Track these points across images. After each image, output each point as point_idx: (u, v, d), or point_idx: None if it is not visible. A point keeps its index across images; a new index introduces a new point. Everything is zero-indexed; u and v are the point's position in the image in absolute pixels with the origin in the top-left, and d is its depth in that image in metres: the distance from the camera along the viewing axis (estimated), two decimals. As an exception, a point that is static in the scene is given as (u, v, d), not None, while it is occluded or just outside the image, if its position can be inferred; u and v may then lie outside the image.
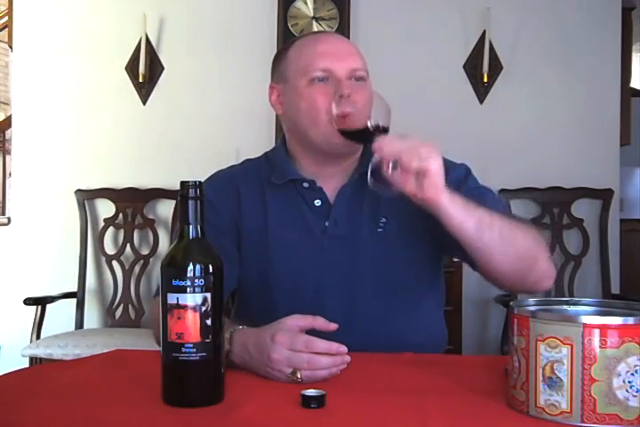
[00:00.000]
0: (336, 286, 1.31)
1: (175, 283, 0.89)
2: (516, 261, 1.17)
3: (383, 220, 1.31)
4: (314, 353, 0.99)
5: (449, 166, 1.33)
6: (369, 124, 1.12)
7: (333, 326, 1.05)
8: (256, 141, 2.92)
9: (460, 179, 1.33)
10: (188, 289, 0.89)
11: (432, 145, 1.07)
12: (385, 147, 1.05)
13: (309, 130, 1.29)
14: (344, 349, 1.01)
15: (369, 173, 1.11)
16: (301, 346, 1.00)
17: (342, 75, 1.26)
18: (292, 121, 1.33)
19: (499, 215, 1.16)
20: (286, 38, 2.97)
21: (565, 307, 0.97)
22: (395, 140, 1.06)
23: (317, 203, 1.33)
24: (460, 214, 1.09)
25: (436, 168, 1.04)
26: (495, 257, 1.15)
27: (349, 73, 1.27)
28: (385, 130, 1.12)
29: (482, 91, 3.03)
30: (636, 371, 0.80)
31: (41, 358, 2.55)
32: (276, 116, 1.38)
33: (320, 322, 1.05)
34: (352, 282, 1.31)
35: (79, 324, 2.96)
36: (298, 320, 1.05)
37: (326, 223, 1.33)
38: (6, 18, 3.98)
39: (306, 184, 1.34)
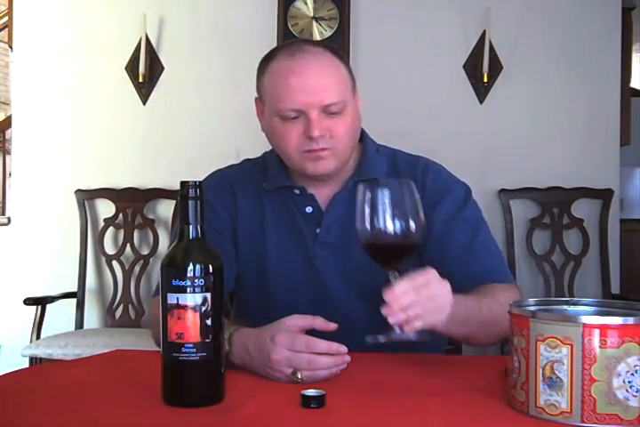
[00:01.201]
0: (329, 292, 1.32)
1: (175, 283, 0.89)
2: (493, 340, 1.24)
3: None
4: (314, 353, 0.99)
5: (449, 187, 1.34)
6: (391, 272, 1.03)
7: (333, 326, 1.05)
8: (256, 141, 2.88)
9: (457, 206, 1.33)
10: (188, 289, 0.89)
11: (443, 292, 1.02)
12: (393, 316, 0.97)
13: (285, 159, 1.31)
14: (344, 349, 1.01)
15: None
16: (301, 346, 1.00)
17: (313, 112, 1.22)
18: (271, 143, 1.34)
19: (487, 308, 1.16)
20: (286, 38, 2.97)
21: (565, 307, 0.96)
22: (403, 298, 0.97)
23: (309, 210, 1.34)
24: (449, 330, 1.11)
25: (439, 324, 1.02)
26: (473, 342, 1.25)
27: (321, 109, 1.23)
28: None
29: (482, 91, 3.02)
30: (636, 371, 0.80)
31: (41, 358, 2.55)
32: (276, 116, 1.38)
33: (319, 322, 1.05)
34: (346, 288, 1.32)
35: (79, 324, 2.96)
36: (297, 320, 1.05)
37: (317, 230, 1.33)
38: (6, 18, 3.99)
39: (297, 191, 1.34)
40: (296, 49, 1.26)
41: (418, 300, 0.97)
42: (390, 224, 0.99)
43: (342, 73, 1.28)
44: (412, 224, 1.00)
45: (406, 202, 1.00)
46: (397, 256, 1.03)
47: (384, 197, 1.00)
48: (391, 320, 0.97)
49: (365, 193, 1.01)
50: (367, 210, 1.01)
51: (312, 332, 1.04)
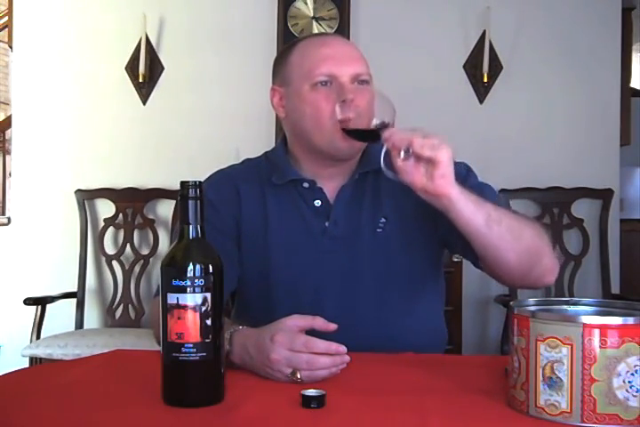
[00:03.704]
0: (335, 287, 1.31)
1: (175, 283, 0.89)
2: (523, 256, 1.17)
3: (383, 220, 1.31)
4: (313, 353, 0.99)
5: None
6: (374, 123, 1.12)
7: (333, 327, 1.04)
8: (256, 141, 2.92)
9: (461, 176, 1.33)
10: (188, 289, 0.89)
11: (442, 136, 1.06)
12: (395, 135, 1.06)
13: (313, 134, 1.29)
14: (343, 349, 1.00)
15: (382, 159, 1.10)
16: (301, 346, 1.00)
17: (346, 79, 1.26)
18: (295, 125, 1.33)
19: (505, 210, 1.18)
20: (286, 38, 2.97)
21: (565, 307, 0.97)
22: (404, 130, 1.06)
23: (317, 203, 1.33)
24: (469, 209, 1.09)
25: (446, 159, 1.04)
26: (503, 253, 1.15)
27: (353, 77, 1.26)
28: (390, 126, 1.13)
29: (482, 91, 3.03)
30: (636, 371, 0.80)
31: (41, 358, 2.55)
32: (276, 116, 1.37)
33: (319, 322, 1.05)
34: (351, 282, 1.31)
35: (79, 324, 2.96)
36: (297, 320, 1.05)
37: (326, 224, 1.33)
38: (6, 18, 3.98)
39: (306, 184, 1.34)
40: (322, 33, 1.31)
41: (417, 134, 1.03)
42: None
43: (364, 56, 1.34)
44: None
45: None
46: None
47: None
48: (395, 144, 1.05)
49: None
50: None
51: (313, 332, 1.04)
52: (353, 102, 1.20)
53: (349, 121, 1.18)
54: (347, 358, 1.01)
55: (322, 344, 1.00)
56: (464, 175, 1.34)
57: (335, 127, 1.23)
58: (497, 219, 1.12)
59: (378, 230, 1.32)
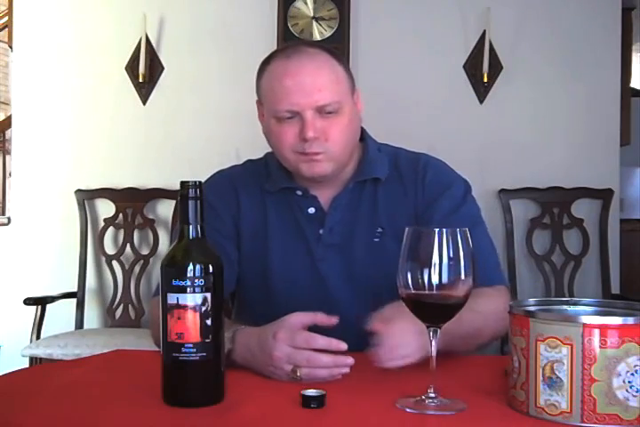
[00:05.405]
0: (332, 293, 1.32)
1: (175, 283, 0.89)
2: (472, 350, 1.23)
3: (379, 230, 1.31)
4: (314, 350, 0.99)
5: (448, 183, 1.34)
6: None
7: (334, 320, 1.04)
8: (256, 142, 2.90)
9: (455, 203, 1.33)
10: (188, 289, 0.89)
11: (414, 339, 1.02)
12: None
13: (281, 160, 1.31)
14: (344, 345, 1.00)
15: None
16: (302, 343, 1.00)
17: (309, 113, 1.22)
18: (270, 144, 1.34)
19: (468, 319, 1.05)
20: (286, 38, 2.97)
21: (565, 307, 0.96)
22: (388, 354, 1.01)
23: (311, 211, 1.33)
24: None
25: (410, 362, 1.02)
26: (451, 353, 1.16)
27: (317, 109, 1.22)
28: None
29: (482, 91, 3.03)
30: (636, 371, 0.80)
31: (41, 358, 2.55)
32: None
33: (321, 317, 1.05)
34: (349, 289, 1.32)
35: (79, 324, 2.96)
36: (299, 317, 1.05)
37: (320, 231, 1.33)
38: (6, 18, 3.98)
39: (299, 192, 1.34)
40: (292, 51, 1.26)
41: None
42: (437, 278, 0.87)
43: (339, 73, 1.27)
44: (463, 278, 0.88)
45: (460, 253, 0.88)
46: (439, 315, 0.91)
47: (433, 244, 0.87)
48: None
49: (411, 238, 0.90)
50: (411, 258, 0.89)
51: (315, 330, 1.04)
52: (315, 141, 1.22)
53: (308, 155, 1.23)
54: (349, 360, 1.00)
55: (322, 340, 1.00)
56: (457, 204, 1.33)
57: (299, 159, 1.25)
58: (455, 344, 1.10)
59: (374, 240, 1.31)
